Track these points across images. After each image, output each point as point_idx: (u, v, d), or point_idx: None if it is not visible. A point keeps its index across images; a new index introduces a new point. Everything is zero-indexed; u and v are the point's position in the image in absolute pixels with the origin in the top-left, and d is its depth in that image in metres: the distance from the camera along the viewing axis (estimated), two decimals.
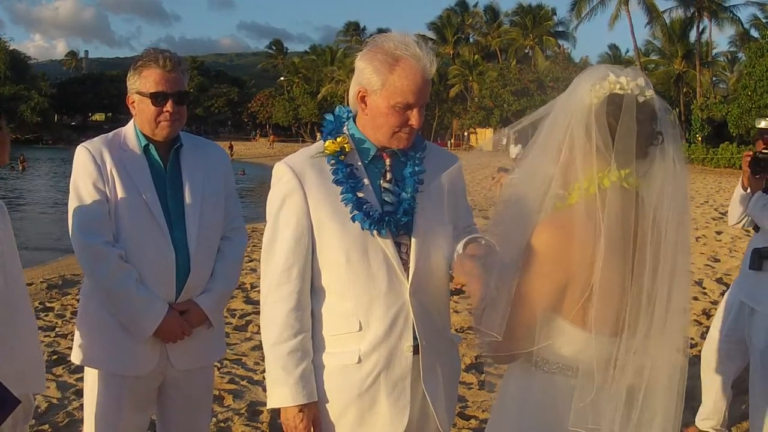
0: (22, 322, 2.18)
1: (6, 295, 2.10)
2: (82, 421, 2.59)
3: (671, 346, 1.58)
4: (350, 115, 2.06)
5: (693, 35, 48.12)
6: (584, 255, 1.51)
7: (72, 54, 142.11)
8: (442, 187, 1.91)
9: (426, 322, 1.98)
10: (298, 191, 1.95)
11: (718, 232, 11.14)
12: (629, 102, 1.54)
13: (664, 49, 50.76)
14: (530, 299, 1.57)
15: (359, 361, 1.95)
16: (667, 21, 48.10)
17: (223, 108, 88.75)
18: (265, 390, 2.04)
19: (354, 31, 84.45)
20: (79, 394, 4.06)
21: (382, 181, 2.00)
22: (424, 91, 1.90)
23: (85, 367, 2.49)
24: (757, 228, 3.57)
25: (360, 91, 1.94)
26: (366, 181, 1.98)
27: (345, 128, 2.04)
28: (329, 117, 2.07)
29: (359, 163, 1.99)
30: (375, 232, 1.93)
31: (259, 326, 2.12)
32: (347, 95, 2.02)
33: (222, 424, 3.89)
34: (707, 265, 8.58)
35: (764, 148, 3.51)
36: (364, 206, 1.93)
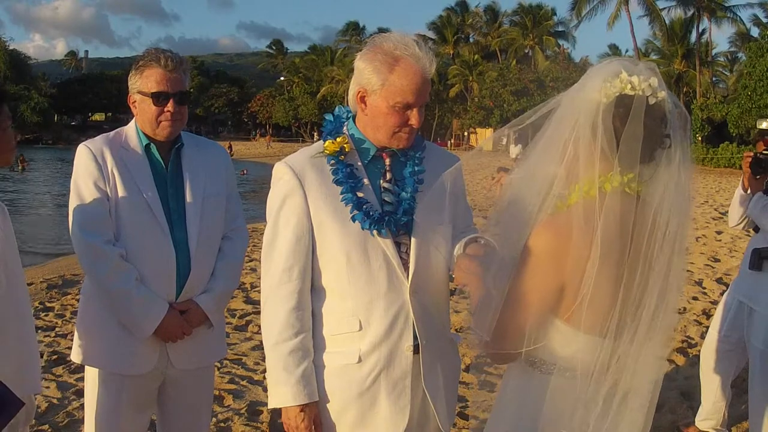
0: (22, 323, 2.18)
1: (7, 296, 2.10)
2: (82, 421, 2.59)
3: (656, 351, 1.58)
4: (350, 115, 2.06)
5: (693, 35, 48.17)
6: (580, 257, 1.51)
7: (72, 54, 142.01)
8: (442, 186, 1.92)
9: (426, 322, 1.98)
10: (298, 191, 1.96)
11: (718, 232, 11.14)
12: (639, 104, 1.50)
13: (664, 49, 50.77)
14: (525, 300, 1.57)
15: (359, 360, 1.95)
16: (667, 21, 48.14)
17: (223, 108, 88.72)
18: (265, 390, 2.05)
19: (354, 30, 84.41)
20: (79, 394, 4.07)
21: (381, 181, 2.01)
22: (424, 90, 1.90)
23: (86, 367, 2.49)
24: (757, 229, 3.57)
25: (359, 92, 1.94)
26: (366, 180, 1.98)
27: (345, 128, 2.04)
28: (329, 117, 2.07)
29: (359, 163, 1.99)
30: (375, 231, 1.94)
31: (259, 326, 2.13)
32: (347, 95, 2.03)
33: (222, 424, 3.89)
34: (707, 265, 8.58)
35: (765, 149, 3.51)
36: (364, 206, 1.94)
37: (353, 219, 1.93)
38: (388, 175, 2.01)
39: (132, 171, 2.40)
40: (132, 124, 2.48)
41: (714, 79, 52.51)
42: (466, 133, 64.90)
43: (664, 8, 47.60)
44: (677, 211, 1.54)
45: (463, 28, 75.55)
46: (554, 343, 1.60)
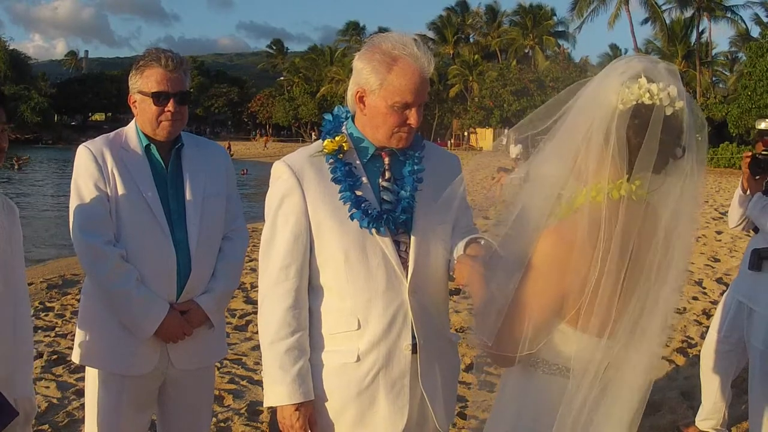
0: (19, 326, 2.15)
1: (4, 297, 2.07)
2: (82, 421, 2.59)
3: (654, 349, 1.58)
4: (349, 114, 2.06)
5: (693, 35, 48.17)
6: (584, 262, 1.50)
7: (72, 54, 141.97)
8: (452, 195, 1.90)
9: (425, 321, 1.98)
10: (296, 190, 1.96)
11: (718, 232, 11.13)
12: (656, 117, 1.46)
13: (664, 49, 50.77)
14: (531, 305, 1.56)
15: (358, 359, 1.95)
16: (667, 21, 48.14)
17: (223, 108, 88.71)
18: (263, 389, 2.05)
19: (354, 30, 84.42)
20: (79, 394, 4.07)
21: (380, 180, 2.01)
22: (423, 90, 1.90)
23: (86, 367, 2.49)
24: (756, 229, 3.57)
25: (358, 92, 1.94)
26: (364, 179, 1.98)
27: (344, 128, 2.04)
28: (328, 117, 2.07)
29: (358, 162, 2.00)
30: (374, 230, 1.94)
31: None
32: (346, 95, 2.03)
33: (222, 424, 3.89)
34: (707, 265, 8.58)
35: (764, 150, 3.51)
36: (363, 204, 1.94)
37: (352, 217, 1.93)
38: (387, 174, 2.01)
39: (132, 171, 2.40)
40: (132, 124, 2.48)
41: (714, 79, 52.50)
42: (466, 133, 64.87)
43: (666, 9, 47.66)
44: (686, 218, 1.53)
45: (463, 28, 75.53)
46: (556, 344, 1.60)
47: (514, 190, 1.71)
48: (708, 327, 5.78)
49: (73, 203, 2.39)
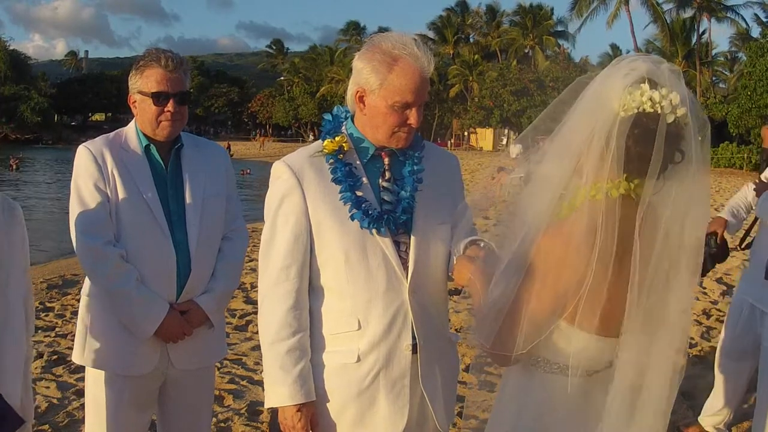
0: (9, 329, 2.08)
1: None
2: (82, 421, 2.59)
3: (670, 348, 1.58)
4: (348, 114, 2.06)
5: (693, 35, 48.16)
6: (583, 259, 1.50)
7: (72, 54, 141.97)
8: (442, 187, 1.89)
9: (425, 322, 1.98)
10: (296, 190, 1.95)
11: None
12: (656, 125, 1.47)
13: (665, 49, 50.76)
14: (529, 305, 1.56)
15: (358, 360, 1.95)
16: (667, 20, 48.14)
17: (223, 108, 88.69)
18: (264, 390, 2.05)
19: (354, 30, 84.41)
20: (79, 394, 4.07)
21: (380, 180, 2.00)
22: (423, 89, 1.90)
23: (86, 367, 2.49)
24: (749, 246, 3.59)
25: (358, 91, 1.94)
26: (365, 179, 1.98)
27: (343, 128, 2.04)
28: (327, 117, 2.07)
29: (358, 162, 1.99)
30: (374, 230, 1.94)
31: None
32: (346, 95, 2.03)
33: (222, 424, 3.89)
34: None
35: None
36: (363, 205, 1.94)
37: (352, 218, 1.93)
38: (387, 174, 2.01)
39: (132, 172, 2.40)
40: (132, 124, 2.48)
41: (714, 79, 52.50)
42: (466, 133, 64.89)
43: (666, 9, 47.66)
44: (691, 219, 1.53)
45: (463, 28, 75.53)
46: (557, 342, 1.60)
47: (515, 189, 1.71)
48: (708, 327, 5.80)
49: (73, 204, 2.39)
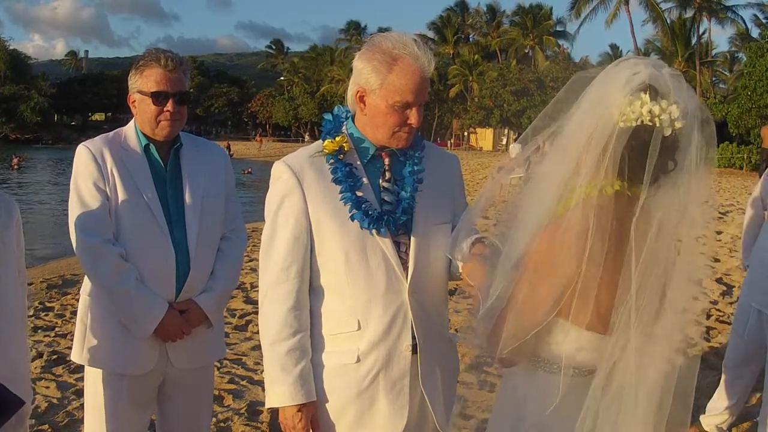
0: (7, 332, 2.07)
1: None
2: (82, 420, 2.59)
3: (668, 347, 1.58)
4: (349, 114, 2.06)
5: (693, 35, 48.17)
6: (578, 257, 1.50)
7: (72, 54, 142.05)
8: (442, 187, 1.89)
9: (424, 322, 1.98)
10: (296, 190, 1.95)
11: (718, 232, 11.12)
12: (654, 139, 1.48)
13: (665, 49, 50.77)
14: (524, 305, 1.56)
15: (358, 360, 1.95)
16: (668, 21, 48.15)
17: (223, 108, 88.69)
18: (265, 390, 2.05)
19: (355, 30, 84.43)
20: (79, 393, 4.06)
21: (381, 181, 2.00)
22: (423, 89, 1.90)
23: (85, 366, 2.49)
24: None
25: (358, 91, 1.94)
26: (365, 180, 1.98)
27: (344, 128, 2.04)
28: (328, 117, 2.07)
29: (358, 163, 1.99)
30: (374, 231, 1.93)
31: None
32: (346, 95, 2.03)
33: (222, 424, 3.89)
34: (707, 265, 8.51)
35: None
36: (363, 205, 1.94)
37: (352, 218, 1.93)
38: (387, 175, 2.01)
39: (131, 171, 2.40)
40: (131, 124, 2.48)
41: (714, 79, 52.51)
42: (466, 133, 64.90)
43: (666, 9, 47.66)
44: (688, 219, 1.54)
45: (463, 28, 75.60)
46: (557, 342, 1.60)
47: (515, 189, 1.71)
48: (708, 327, 5.80)
49: (72, 203, 2.39)
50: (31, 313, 6.07)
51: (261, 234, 2.05)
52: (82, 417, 2.59)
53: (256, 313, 6.20)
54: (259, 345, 2.03)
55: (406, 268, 1.96)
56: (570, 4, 52.01)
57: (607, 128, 1.50)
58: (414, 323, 1.96)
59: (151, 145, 2.45)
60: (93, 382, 2.46)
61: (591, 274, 1.50)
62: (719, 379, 3.87)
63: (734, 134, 34.49)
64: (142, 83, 2.38)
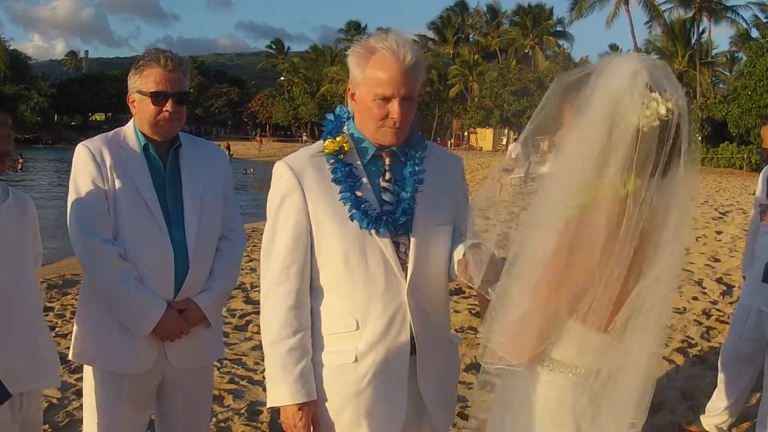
0: (30, 320, 2.21)
1: (14, 291, 2.13)
2: (82, 420, 2.59)
3: (653, 344, 1.59)
4: (350, 115, 2.06)
5: (693, 35, 48.18)
6: (592, 257, 1.51)
7: (72, 54, 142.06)
8: (443, 188, 1.89)
9: (423, 322, 1.98)
10: (297, 190, 1.96)
11: (718, 232, 11.13)
12: (668, 132, 1.50)
13: (665, 49, 50.77)
14: (545, 304, 1.56)
15: (356, 360, 1.95)
16: (668, 21, 48.16)
17: (223, 108, 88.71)
18: (265, 390, 2.05)
19: (354, 30, 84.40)
20: (79, 394, 4.05)
21: (381, 181, 2.00)
22: (401, 82, 1.88)
23: (84, 366, 2.50)
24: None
25: (350, 88, 1.97)
26: (365, 180, 1.98)
27: (345, 128, 2.04)
28: (329, 116, 2.08)
29: (358, 163, 1.99)
30: (373, 231, 1.93)
31: (259, 326, 2.13)
32: (346, 95, 2.04)
33: (222, 424, 3.89)
34: (707, 265, 8.58)
35: None
36: (363, 205, 1.94)
37: (351, 218, 1.93)
38: (388, 175, 2.01)
39: (130, 171, 2.40)
40: (130, 124, 2.48)
41: (714, 79, 52.52)
42: (466, 133, 64.91)
43: (666, 9, 47.67)
44: (678, 216, 1.54)
45: (463, 28, 75.59)
46: (565, 342, 1.60)
47: (515, 189, 1.71)
48: (708, 327, 5.80)
49: (71, 201, 2.39)
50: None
51: (261, 234, 2.05)
52: (82, 417, 2.59)
53: (256, 313, 6.21)
54: (260, 345, 2.03)
55: (405, 269, 1.96)
56: (570, 4, 52.06)
57: (628, 133, 1.50)
58: (413, 323, 1.96)
59: (150, 144, 2.45)
60: (92, 381, 2.46)
61: (606, 274, 1.50)
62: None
63: (734, 134, 34.51)
64: (141, 83, 2.38)
